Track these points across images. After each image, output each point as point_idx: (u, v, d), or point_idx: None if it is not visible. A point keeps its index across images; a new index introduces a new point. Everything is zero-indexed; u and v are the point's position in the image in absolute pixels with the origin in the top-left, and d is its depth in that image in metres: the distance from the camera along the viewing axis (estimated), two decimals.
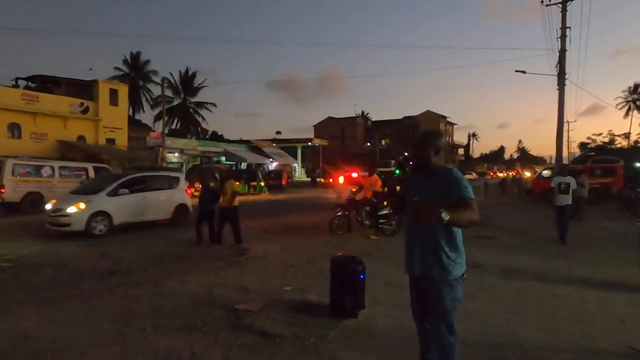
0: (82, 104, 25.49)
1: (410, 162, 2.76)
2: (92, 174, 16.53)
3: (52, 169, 15.61)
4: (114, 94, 27.55)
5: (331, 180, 25.63)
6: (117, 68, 41.94)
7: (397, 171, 2.62)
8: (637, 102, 60.34)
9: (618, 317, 4.40)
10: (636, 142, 44.71)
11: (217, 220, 8.84)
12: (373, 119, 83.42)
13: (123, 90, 28.78)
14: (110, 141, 26.95)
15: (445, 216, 2.24)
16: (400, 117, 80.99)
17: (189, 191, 13.44)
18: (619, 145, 41.02)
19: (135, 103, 41.95)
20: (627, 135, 50.06)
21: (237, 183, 9.65)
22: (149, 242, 9.18)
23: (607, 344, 3.73)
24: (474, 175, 55.16)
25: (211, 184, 9.52)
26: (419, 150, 2.62)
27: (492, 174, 72.90)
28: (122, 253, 7.97)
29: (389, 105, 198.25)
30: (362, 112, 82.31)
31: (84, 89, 26.37)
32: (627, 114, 60.27)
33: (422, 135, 2.70)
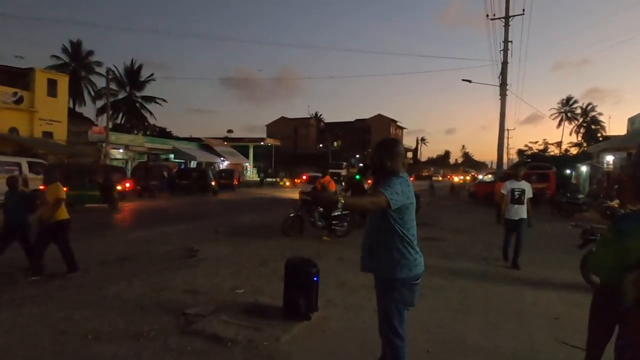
0: (15, 94, 23.64)
1: (368, 167, 2.87)
2: (26, 169, 15.38)
3: None
4: (52, 84, 25.81)
5: (304, 178, 25.47)
6: (55, 57, 39.35)
7: (358, 176, 2.73)
8: (569, 114, 65.32)
9: (552, 314, 4.72)
10: (566, 150, 48.47)
11: (36, 239, 6.24)
12: (326, 121, 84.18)
13: (63, 81, 27.04)
14: (48, 134, 25.20)
15: (341, 200, 2.38)
16: (353, 119, 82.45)
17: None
18: (552, 153, 44.19)
19: (76, 95, 39.48)
20: (559, 144, 54.19)
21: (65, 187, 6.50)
22: (91, 242, 8.67)
23: (543, 340, 4.00)
24: (440, 178, 56.68)
25: (21, 187, 6.72)
26: (376, 156, 2.74)
27: (449, 177, 75.37)
28: (61, 254, 7.46)
29: (342, 107, 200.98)
30: (316, 113, 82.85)
31: (18, 78, 24.47)
32: (559, 124, 65.18)
33: (381, 143, 2.82)
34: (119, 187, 16.96)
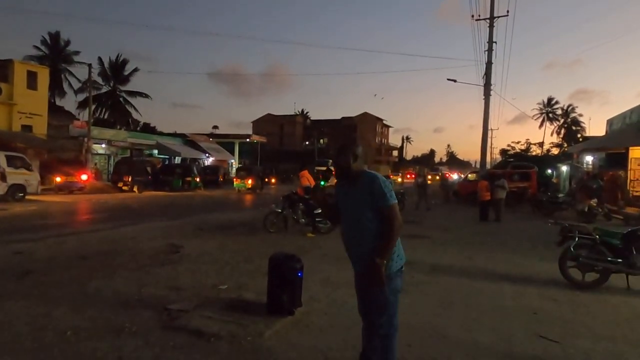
0: None
1: (332, 171, 2.97)
2: (4, 163, 15.02)
3: None
4: (32, 76, 25.15)
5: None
6: (36, 47, 38.38)
7: (322, 182, 2.83)
8: (550, 115, 66.58)
9: (531, 309, 4.83)
10: (548, 150, 49.44)
11: None
12: (312, 118, 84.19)
13: (43, 73, 26.38)
14: (27, 128, 24.58)
15: (382, 262, 2.58)
16: (339, 117, 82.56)
17: None
18: (534, 153, 44.97)
19: (55, 87, 38.55)
20: (541, 144, 55.24)
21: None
22: (71, 238, 8.53)
23: (521, 333, 4.09)
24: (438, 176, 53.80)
25: None
26: (339, 159, 2.83)
27: (447, 175, 73.77)
28: (40, 250, 7.33)
29: (329, 104, 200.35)
30: (302, 111, 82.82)
31: None
32: (541, 125, 66.38)
33: (341, 146, 2.92)
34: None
